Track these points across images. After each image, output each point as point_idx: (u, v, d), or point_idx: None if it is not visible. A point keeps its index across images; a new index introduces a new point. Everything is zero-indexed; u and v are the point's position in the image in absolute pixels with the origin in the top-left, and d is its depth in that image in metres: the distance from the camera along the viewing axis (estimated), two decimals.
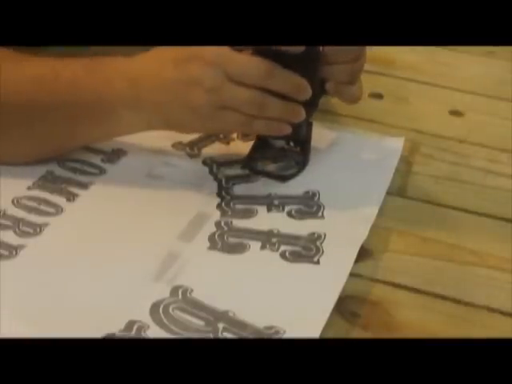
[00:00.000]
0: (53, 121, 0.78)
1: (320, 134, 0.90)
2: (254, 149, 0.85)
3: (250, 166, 0.84)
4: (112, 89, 0.77)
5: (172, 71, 0.76)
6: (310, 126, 0.84)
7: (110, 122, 0.78)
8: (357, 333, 0.68)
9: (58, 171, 0.82)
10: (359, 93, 0.84)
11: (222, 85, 0.74)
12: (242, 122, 0.77)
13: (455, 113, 1.00)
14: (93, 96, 0.77)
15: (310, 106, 0.80)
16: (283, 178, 0.83)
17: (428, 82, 1.05)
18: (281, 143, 0.84)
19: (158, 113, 0.77)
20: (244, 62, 0.75)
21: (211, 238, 0.75)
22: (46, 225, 0.75)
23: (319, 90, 0.81)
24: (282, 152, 0.85)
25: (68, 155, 0.83)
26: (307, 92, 0.78)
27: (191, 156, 0.86)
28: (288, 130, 0.79)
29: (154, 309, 0.67)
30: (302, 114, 0.79)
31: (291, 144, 0.85)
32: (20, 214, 0.76)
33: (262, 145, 0.85)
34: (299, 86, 0.77)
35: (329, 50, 0.80)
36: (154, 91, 0.76)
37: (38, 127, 0.78)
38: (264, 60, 0.75)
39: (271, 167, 0.85)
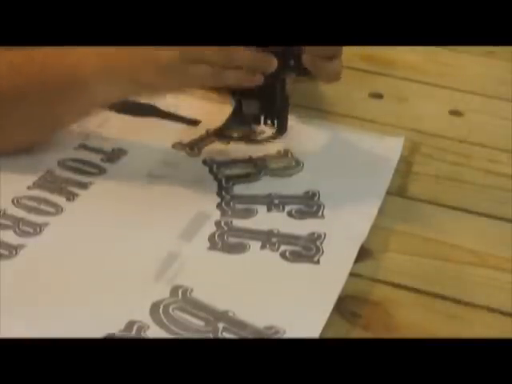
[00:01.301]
0: (31, 103, 0.79)
1: (320, 134, 0.90)
2: (227, 120, 0.85)
3: (223, 134, 0.84)
4: (83, 64, 0.78)
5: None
6: (284, 95, 0.83)
7: (86, 96, 0.79)
8: (357, 333, 0.68)
9: (58, 171, 0.82)
10: (339, 69, 0.81)
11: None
12: (211, 73, 0.76)
13: (455, 113, 1.00)
14: (65, 73, 0.78)
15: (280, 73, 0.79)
16: (256, 142, 0.83)
17: (428, 82, 1.05)
18: (255, 111, 0.83)
19: (131, 79, 0.78)
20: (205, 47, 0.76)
21: (211, 238, 0.75)
22: (45, 224, 0.75)
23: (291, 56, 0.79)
24: (257, 121, 0.84)
25: (68, 155, 0.83)
26: (273, 62, 0.77)
27: (191, 156, 0.86)
28: (260, 79, 0.77)
29: (154, 309, 0.67)
30: (273, 62, 0.77)
31: (266, 119, 0.84)
32: (20, 213, 0.76)
33: (236, 117, 0.85)
34: (264, 59, 0.77)
35: None
36: (124, 58, 0.77)
37: (18, 112, 0.79)
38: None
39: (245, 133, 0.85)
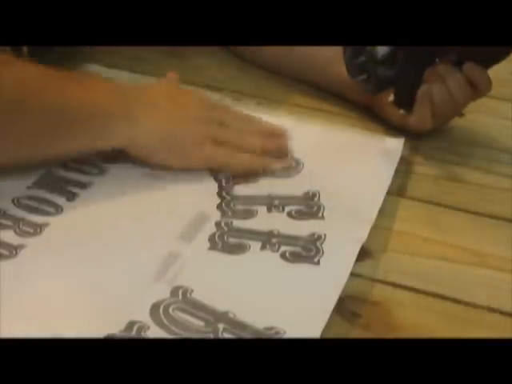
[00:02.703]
0: (33, 122, 0.76)
1: (320, 134, 0.90)
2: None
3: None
4: (106, 103, 0.78)
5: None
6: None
7: (96, 130, 0.78)
8: (357, 333, 0.68)
9: (58, 171, 0.82)
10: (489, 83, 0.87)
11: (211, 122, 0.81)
12: (226, 155, 0.81)
13: None
14: (84, 107, 0.77)
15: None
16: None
17: None
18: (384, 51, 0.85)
19: (154, 126, 0.79)
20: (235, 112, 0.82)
21: (211, 239, 0.75)
22: (46, 224, 0.75)
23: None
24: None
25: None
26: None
27: None
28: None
29: (154, 309, 0.67)
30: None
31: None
32: (20, 213, 0.76)
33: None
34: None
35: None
36: (145, 104, 0.79)
37: (16, 127, 0.76)
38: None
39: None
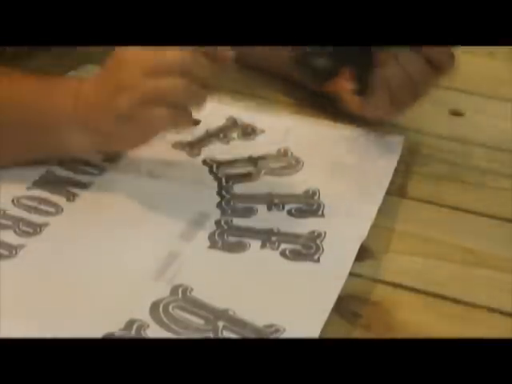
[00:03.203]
0: (2, 135, 0.77)
1: (320, 134, 0.90)
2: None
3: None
4: (57, 112, 0.77)
5: (102, 88, 0.75)
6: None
7: (54, 143, 0.78)
8: (358, 333, 0.68)
9: (58, 171, 0.82)
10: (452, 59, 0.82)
11: (139, 79, 0.73)
12: (167, 116, 0.73)
13: (455, 113, 1.00)
14: (38, 119, 0.77)
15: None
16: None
17: None
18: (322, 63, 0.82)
19: (93, 129, 0.76)
20: (159, 55, 0.73)
21: (211, 237, 0.75)
22: (46, 225, 0.75)
23: None
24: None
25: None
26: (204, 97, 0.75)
27: (191, 156, 0.86)
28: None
29: (154, 308, 0.67)
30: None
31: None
32: (20, 213, 0.76)
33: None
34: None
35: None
36: (90, 107, 0.76)
37: None
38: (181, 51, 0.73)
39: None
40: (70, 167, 0.82)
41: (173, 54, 0.73)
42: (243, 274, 0.72)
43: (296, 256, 0.74)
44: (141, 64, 0.73)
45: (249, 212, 0.79)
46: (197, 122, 0.76)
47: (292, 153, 0.87)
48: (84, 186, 0.80)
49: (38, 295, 0.67)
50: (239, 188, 0.82)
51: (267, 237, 0.75)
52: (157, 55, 0.73)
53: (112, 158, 0.84)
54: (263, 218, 0.78)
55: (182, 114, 0.75)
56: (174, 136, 0.86)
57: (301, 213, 0.79)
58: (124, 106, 0.73)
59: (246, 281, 0.71)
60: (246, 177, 0.83)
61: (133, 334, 0.64)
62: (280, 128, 0.91)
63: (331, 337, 0.66)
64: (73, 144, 0.78)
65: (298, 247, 0.74)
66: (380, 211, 0.80)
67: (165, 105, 0.73)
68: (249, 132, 0.90)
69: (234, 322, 0.66)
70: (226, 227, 0.76)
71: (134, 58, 0.74)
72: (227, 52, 0.74)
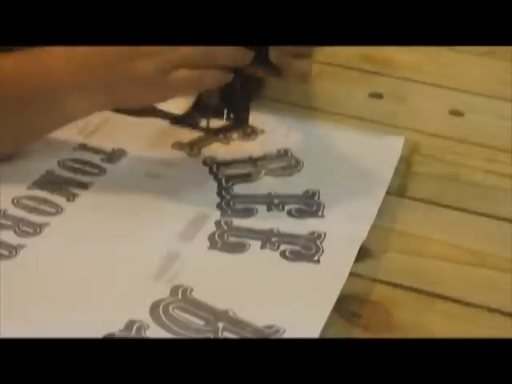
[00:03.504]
0: (3, 114, 0.76)
1: (320, 134, 0.90)
2: (189, 109, 0.84)
3: (184, 120, 0.83)
4: (51, 77, 0.76)
5: (114, 53, 0.74)
6: (246, 89, 0.81)
7: (55, 110, 0.77)
8: (357, 333, 0.68)
9: (58, 171, 0.82)
10: (308, 69, 0.80)
11: (164, 49, 0.73)
12: (190, 78, 0.74)
13: (455, 113, 1.00)
14: (33, 86, 0.76)
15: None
16: (214, 132, 0.82)
17: (428, 81, 1.05)
18: (215, 101, 0.82)
19: (102, 92, 0.76)
20: (183, 49, 0.73)
21: (211, 238, 0.75)
22: (46, 225, 0.75)
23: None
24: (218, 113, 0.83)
25: (68, 155, 0.83)
26: (249, 55, 0.75)
27: (191, 156, 0.86)
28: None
29: (154, 308, 0.67)
30: (249, 54, 0.75)
31: (228, 114, 0.83)
32: (20, 213, 0.76)
33: (197, 108, 0.84)
34: (241, 54, 0.75)
35: None
36: (95, 71, 0.75)
37: None
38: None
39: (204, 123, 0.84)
40: (70, 167, 0.82)
41: (195, 48, 0.73)
42: (243, 274, 0.72)
43: (296, 257, 0.74)
44: (165, 55, 0.73)
45: (249, 212, 0.79)
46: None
47: (292, 153, 0.87)
48: (84, 186, 0.80)
49: (38, 295, 0.67)
50: (239, 188, 0.82)
51: (267, 237, 0.75)
52: (178, 49, 0.73)
53: (112, 158, 0.84)
54: (263, 218, 0.78)
55: (207, 75, 0.75)
56: (174, 136, 0.86)
57: (301, 213, 0.79)
58: (148, 71, 0.73)
59: (245, 281, 0.71)
60: (246, 177, 0.83)
61: (133, 334, 0.64)
62: (280, 128, 0.91)
63: (331, 337, 0.66)
64: (71, 108, 0.77)
65: (297, 248, 0.74)
66: (380, 211, 0.80)
67: (190, 68, 0.73)
68: (249, 132, 0.90)
69: (234, 322, 0.66)
70: (225, 228, 0.76)
71: (152, 50, 0.73)
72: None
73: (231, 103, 0.82)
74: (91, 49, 0.75)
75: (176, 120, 0.85)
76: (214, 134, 0.82)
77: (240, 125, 0.84)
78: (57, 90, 0.76)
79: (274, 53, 0.78)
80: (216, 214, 0.78)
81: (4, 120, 0.77)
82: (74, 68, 0.75)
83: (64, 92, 0.76)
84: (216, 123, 0.86)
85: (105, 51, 0.74)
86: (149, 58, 0.73)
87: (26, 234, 0.73)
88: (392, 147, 0.90)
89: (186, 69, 0.73)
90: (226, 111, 0.82)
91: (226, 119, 0.83)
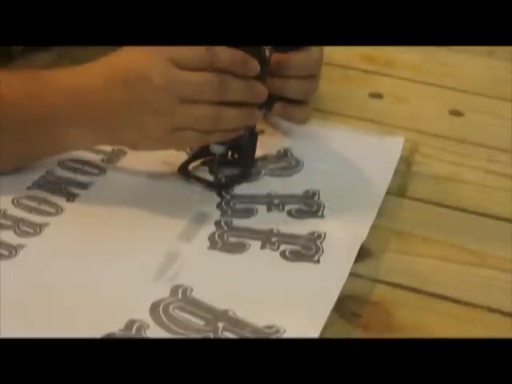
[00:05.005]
0: (2, 141, 0.76)
1: (320, 134, 0.90)
2: (193, 155, 0.83)
3: (186, 171, 0.82)
4: (56, 111, 0.75)
5: (121, 93, 0.73)
6: (253, 135, 0.82)
7: (58, 140, 0.77)
8: (357, 333, 0.68)
9: (58, 171, 0.82)
10: (307, 115, 0.85)
11: (174, 107, 0.73)
12: (197, 139, 0.76)
13: (455, 113, 0.99)
14: (37, 118, 0.76)
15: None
16: (218, 187, 0.81)
17: (428, 82, 1.05)
18: (221, 150, 0.81)
19: (107, 132, 0.76)
20: (195, 80, 0.73)
21: (211, 238, 0.75)
22: (46, 225, 0.75)
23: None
24: (223, 160, 0.83)
25: (68, 155, 0.83)
26: (264, 93, 0.76)
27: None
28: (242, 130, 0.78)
29: (154, 308, 0.67)
30: (258, 116, 0.78)
31: (233, 154, 0.83)
32: (20, 213, 0.76)
33: (202, 152, 0.83)
34: (256, 90, 0.76)
35: (282, 61, 0.80)
36: (102, 110, 0.75)
37: None
38: (215, 74, 0.73)
39: (208, 175, 0.83)
40: (70, 167, 0.82)
41: (209, 79, 0.73)
42: (243, 274, 0.72)
43: (296, 257, 0.74)
44: (175, 89, 0.72)
45: (249, 213, 0.79)
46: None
47: (292, 153, 0.87)
48: (84, 186, 0.80)
49: (38, 295, 0.67)
50: (239, 188, 0.82)
51: (267, 237, 0.75)
52: (189, 79, 0.73)
53: (112, 158, 0.84)
54: (263, 218, 0.78)
55: (214, 137, 0.76)
56: None
57: (301, 213, 0.79)
58: (158, 131, 0.74)
59: (246, 281, 0.71)
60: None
61: (133, 334, 0.64)
62: (280, 128, 0.91)
63: (331, 337, 0.66)
64: (72, 142, 0.78)
65: (297, 248, 0.74)
66: (380, 211, 0.80)
67: (197, 129, 0.75)
68: None
69: (234, 322, 0.66)
70: (225, 228, 0.76)
71: (163, 80, 0.72)
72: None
73: (238, 153, 0.83)
74: (98, 89, 0.74)
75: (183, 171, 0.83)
76: (219, 188, 0.82)
77: (243, 176, 0.83)
78: (59, 127, 0.76)
79: (278, 105, 0.83)
80: (216, 214, 0.78)
81: (6, 146, 0.76)
82: (79, 107, 0.75)
83: (66, 129, 0.76)
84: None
85: (114, 94, 0.74)
86: (159, 117, 0.73)
87: (25, 234, 0.73)
88: (392, 147, 0.90)
89: (194, 131, 0.75)
90: (231, 155, 0.83)
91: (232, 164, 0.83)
